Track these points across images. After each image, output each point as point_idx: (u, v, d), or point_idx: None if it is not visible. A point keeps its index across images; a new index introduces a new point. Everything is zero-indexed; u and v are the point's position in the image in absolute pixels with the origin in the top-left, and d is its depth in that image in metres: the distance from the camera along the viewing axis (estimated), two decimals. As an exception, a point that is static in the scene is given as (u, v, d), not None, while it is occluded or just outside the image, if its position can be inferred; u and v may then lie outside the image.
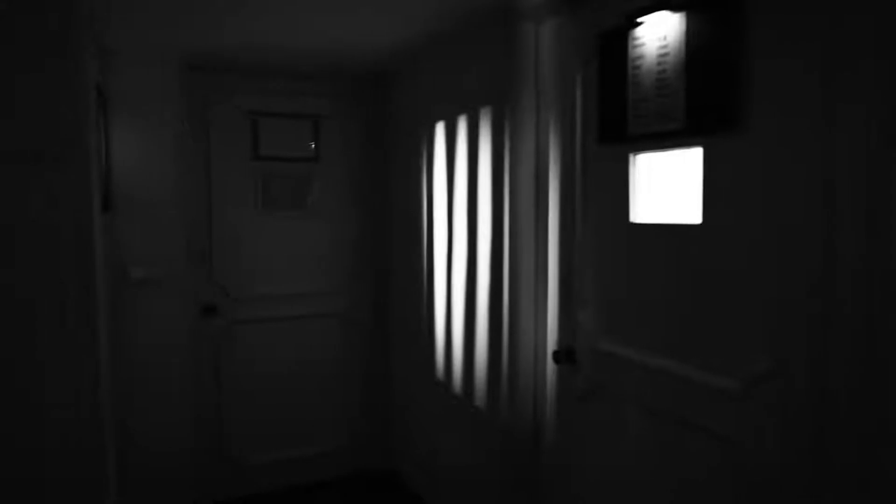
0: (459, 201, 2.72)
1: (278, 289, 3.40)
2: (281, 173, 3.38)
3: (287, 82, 3.37)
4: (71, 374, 1.82)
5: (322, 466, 3.56)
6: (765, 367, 1.41)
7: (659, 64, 1.65)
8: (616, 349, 1.88)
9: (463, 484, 2.78)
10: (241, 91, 3.26)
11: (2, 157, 1.73)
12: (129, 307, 2.88)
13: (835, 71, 1.25)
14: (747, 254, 1.46)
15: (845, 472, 1.26)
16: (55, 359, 1.81)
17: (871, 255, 1.20)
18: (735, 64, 1.45)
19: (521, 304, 2.26)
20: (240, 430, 3.35)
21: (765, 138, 1.41)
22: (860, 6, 1.20)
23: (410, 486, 3.39)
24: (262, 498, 3.37)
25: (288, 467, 3.47)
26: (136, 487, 2.91)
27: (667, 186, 1.76)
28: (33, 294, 1.78)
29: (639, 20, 1.71)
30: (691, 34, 1.56)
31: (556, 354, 2.10)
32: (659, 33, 1.65)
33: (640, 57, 1.71)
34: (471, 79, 2.58)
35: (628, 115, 1.76)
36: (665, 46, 1.63)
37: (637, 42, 1.73)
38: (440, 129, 2.88)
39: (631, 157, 1.81)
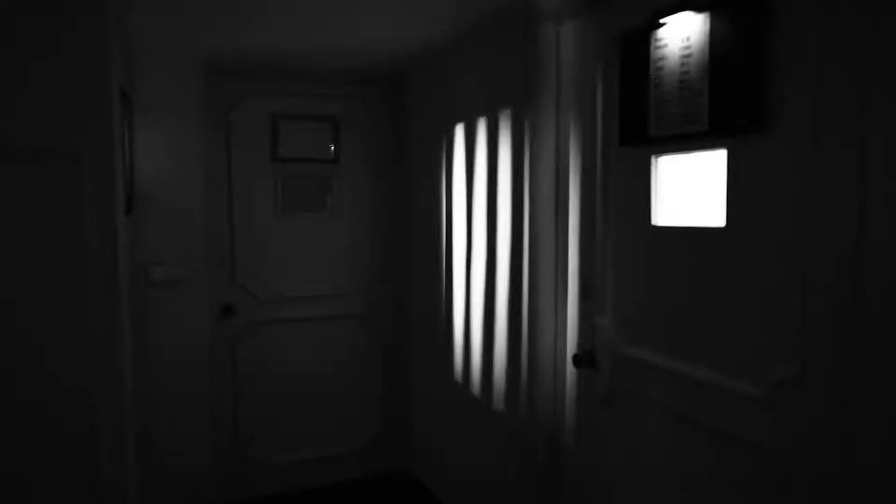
0: (479, 203, 2.71)
1: (298, 290, 3.42)
2: (301, 175, 3.40)
3: (307, 84, 3.39)
4: (95, 372, 1.84)
5: (340, 468, 3.57)
6: (790, 373, 1.38)
7: (682, 65, 1.63)
8: (638, 353, 1.86)
9: (482, 486, 2.77)
10: (262, 93, 3.29)
11: (28, 157, 1.76)
12: (151, 308, 2.91)
13: (869, 69, 1.22)
14: (772, 258, 1.43)
15: (872, 478, 1.24)
16: (79, 357, 1.83)
17: (902, 259, 1.17)
18: (760, 64, 1.43)
19: (541, 307, 2.24)
20: (258, 431, 3.37)
21: (791, 140, 1.38)
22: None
23: (429, 488, 3.38)
24: (280, 498, 3.39)
25: (306, 468, 3.49)
26: (155, 487, 2.93)
27: (689, 189, 1.74)
28: (59, 293, 1.80)
29: (661, 21, 1.69)
30: (715, 34, 1.54)
31: (576, 358, 2.08)
32: (682, 34, 1.63)
33: (663, 58, 1.69)
34: (491, 80, 2.57)
35: (650, 117, 1.75)
36: (688, 47, 1.61)
37: (659, 43, 1.71)
38: (460, 131, 2.87)
39: (653, 160, 1.79)
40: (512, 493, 2.48)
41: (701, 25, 1.57)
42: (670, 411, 1.74)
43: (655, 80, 1.72)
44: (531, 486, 2.33)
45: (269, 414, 3.39)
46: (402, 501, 3.36)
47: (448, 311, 3.05)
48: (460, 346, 2.95)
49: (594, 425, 2.06)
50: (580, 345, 2.11)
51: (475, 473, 2.83)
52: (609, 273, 1.97)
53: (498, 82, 2.51)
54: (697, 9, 1.58)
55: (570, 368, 2.16)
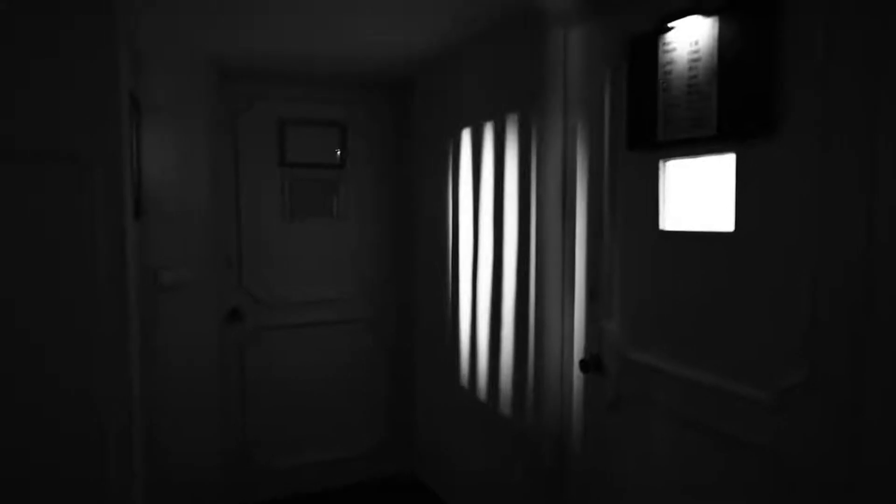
0: (485, 207, 2.71)
1: (304, 294, 3.42)
2: (308, 179, 3.41)
3: (314, 89, 3.40)
4: (101, 374, 1.85)
5: (346, 471, 3.57)
6: (799, 378, 1.37)
7: (690, 69, 1.63)
8: (645, 357, 1.85)
9: (487, 490, 2.76)
10: (269, 98, 3.30)
11: (35, 159, 1.77)
12: (159, 311, 2.91)
13: (878, 72, 1.22)
14: (781, 262, 1.43)
15: (880, 483, 1.23)
16: (86, 360, 1.83)
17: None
18: (769, 68, 1.42)
19: (548, 311, 2.24)
20: (264, 434, 3.37)
21: (800, 144, 1.38)
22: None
23: (434, 491, 3.37)
24: (286, 502, 3.38)
25: (312, 472, 3.48)
26: (160, 489, 2.93)
27: (698, 194, 1.74)
28: (68, 296, 1.81)
29: (670, 25, 1.69)
30: (724, 39, 1.54)
31: (582, 363, 2.07)
32: (690, 38, 1.63)
33: (671, 62, 1.69)
34: (498, 84, 2.58)
35: (658, 121, 1.74)
36: (697, 51, 1.61)
37: (668, 47, 1.71)
38: (466, 135, 2.88)
39: (661, 164, 1.79)
40: (518, 497, 2.47)
41: (709, 29, 1.57)
42: (678, 416, 1.73)
43: (664, 85, 1.72)
44: (537, 490, 2.32)
45: (275, 417, 3.39)
46: (408, 506, 3.35)
47: (454, 315, 3.05)
48: (466, 350, 2.94)
49: (601, 429, 2.05)
50: (587, 349, 2.11)
51: (481, 477, 2.82)
52: (616, 277, 1.97)
53: (504, 86, 2.52)
54: (706, 13, 1.58)
55: (576, 373, 2.16)
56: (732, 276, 1.56)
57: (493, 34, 2.53)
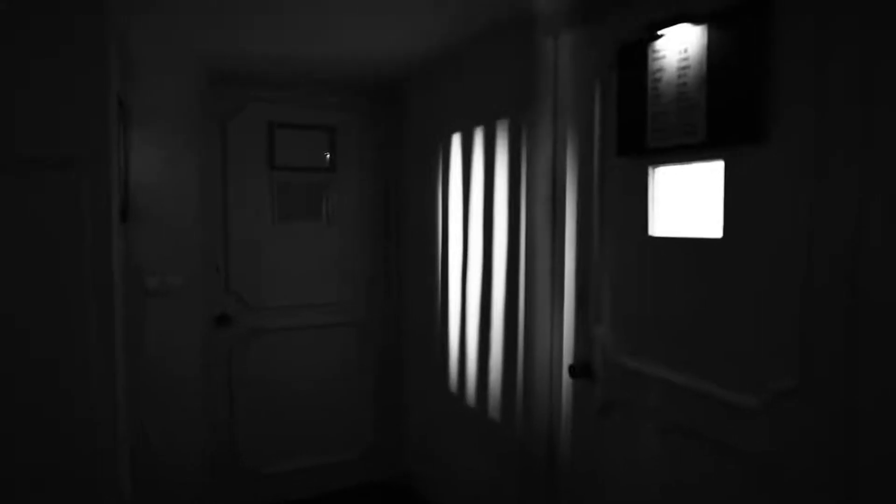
0: (475, 212, 2.71)
1: (293, 298, 3.40)
2: (297, 183, 3.39)
3: (304, 93, 3.39)
4: (87, 381, 1.83)
5: (335, 477, 3.55)
6: (788, 385, 1.38)
7: (679, 76, 1.64)
8: (634, 364, 1.85)
9: (477, 496, 2.75)
10: (260, 101, 3.28)
11: (20, 163, 1.75)
12: (145, 316, 2.89)
13: (867, 81, 1.23)
14: (770, 269, 1.44)
15: (872, 489, 1.23)
16: (72, 365, 1.81)
17: (899, 271, 1.18)
18: (758, 76, 1.43)
19: (537, 317, 2.24)
20: (253, 440, 3.34)
21: (789, 151, 1.39)
22: (893, 10, 1.19)
23: (424, 497, 3.36)
24: (274, 508, 3.36)
25: (301, 477, 3.46)
26: (149, 496, 2.90)
27: (687, 200, 1.74)
28: (53, 301, 1.79)
29: (659, 33, 1.70)
30: (713, 46, 1.55)
31: (571, 368, 2.08)
32: (680, 46, 1.64)
33: (661, 69, 1.70)
34: (488, 90, 2.58)
35: (648, 128, 1.75)
36: (686, 59, 1.62)
37: (657, 55, 1.72)
38: (456, 141, 2.88)
39: (650, 170, 1.79)
40: (508, 502, 2.46)
41: (698, 37, 1.58)
42: (667, 421, 1.74)
43: (653, 92, 1.73)
44: (527, 495, 2.31)
45: (264, 423, 3.36)
46: (396, 512, 3.33)
47: (444, 320, 3.04)
48: (456, 356, 2.94)
49: (590, 435, 2.05)
50: (576, 355, 2.11)
51: (470, 483, 2.81)
52: (606, 283, 1.97)
53: (495, 92, 2.52)
54: (695, 21, 1.59)
55: (566, 378, 2.16)
56: (721, 283, 1.57)
57: (484, 40, 2.54)
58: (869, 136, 1.23)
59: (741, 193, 1.51)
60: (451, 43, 2.64)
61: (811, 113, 1.33)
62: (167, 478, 2.96)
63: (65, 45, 1.76)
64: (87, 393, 1.82)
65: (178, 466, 2.99)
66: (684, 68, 1.63)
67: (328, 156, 3.45)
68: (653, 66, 1.73)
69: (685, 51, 1.62)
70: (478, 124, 2.66)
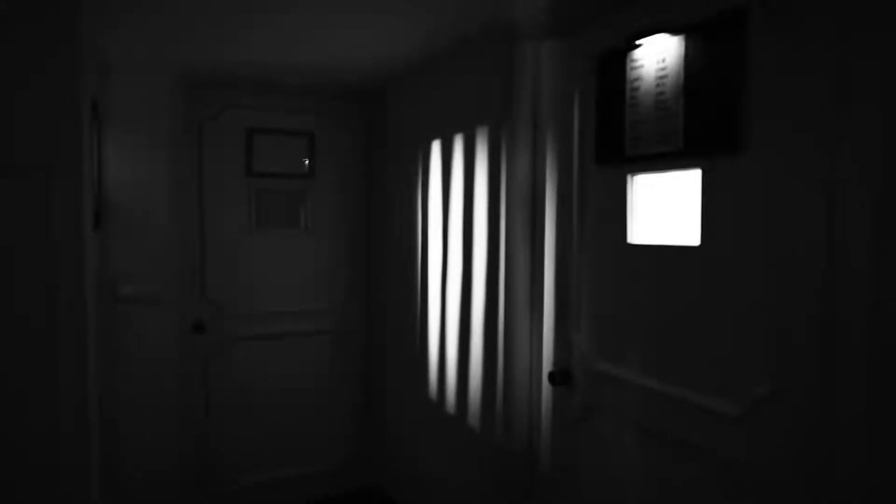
0: (455, 220, 2.70)
1: (271, 306, 3.37)
2: (275, 190, 3.36)
3: (282, 99, 3.36)
4: (59, 390, 1.78)
5: (313, 486, 3.50)
6: (765, 391, 1.39)
7: (657, 86, 1.66)
8: (613, 371, 1.86)
9: (457, 503, 2.74)
10: (236, 107, 3.25)
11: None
12: (118, 324, 2.83)
13: (842, 92, 1.25)
14: (747, 276, 1.45)
15: (848, 496, 1.25)
16: (43, 374, 1.77)
17: (875, 279, 1.20)
18: (735, 86, 1.45)
19: (517, 324, 2.24)
20: (230, 450, 3.29)
21: (765, 160, 1.41)
22: (869, 21, 1.20)
23: (402, 507, 3.33)
24: (251, 519, 3.31)
25: (278, 487, 3.41)
26: (122, 508, 2.84)
27: (665, 208, 1.76)
28: (22, 309, 1.74)
29: (637, 42, 1.72)
30: (690, 56, 1.56)
31: (551, 375, 2.08)
32: (658, 55, 1.66)
33: (639, 78, 1.72)
34: (468, 97, 2.58)
35: (626, 137, 1.76)
36: (664, 68, 1.64)
37: (635, 64, 1.73)
38: (436, 147, 2.87)
39: (629, 178, 1.81)
40: (487, 512, 2.45)
41: (676, 47, 1.60)
42: (646, 428, 1.74)
43: (631, 101, 1.74)
44: (506, 501, 2.31)
45: (240, 431, 3.31)
46: (375, 521, 3.30)
47: (423, 327, 3.03)
48: (435, 364, 2.92)
49: (570, 442, 2.05)
50: (556, 362, 2.11)
51: (450, 491, 2.80)
52: (585, 291, 1.98)
53: (475, 99, 2.52)
54: (673, 31, 1.61)
55: (545, 385, 2.16)
56: (699, 290, 1.58)
57: (465, 48, 2.54)
58: (843, 145, 1.25)
59: (718, 202, 1.53)
60: (431, 50, 2.64)
61: (787, 123, 1.35)
62: (142, 490, 2.91)
63: (37, 47, 1.72)
64: (56, 406, 1.78)
65: (152, 478, 2.93)
66: (662, 78, 1.64)
67: (307, 162, 3.43)
68: (631, 75, 1.75)
69: (663, 60, 1.64)
70: (458, 131, 2.66)
